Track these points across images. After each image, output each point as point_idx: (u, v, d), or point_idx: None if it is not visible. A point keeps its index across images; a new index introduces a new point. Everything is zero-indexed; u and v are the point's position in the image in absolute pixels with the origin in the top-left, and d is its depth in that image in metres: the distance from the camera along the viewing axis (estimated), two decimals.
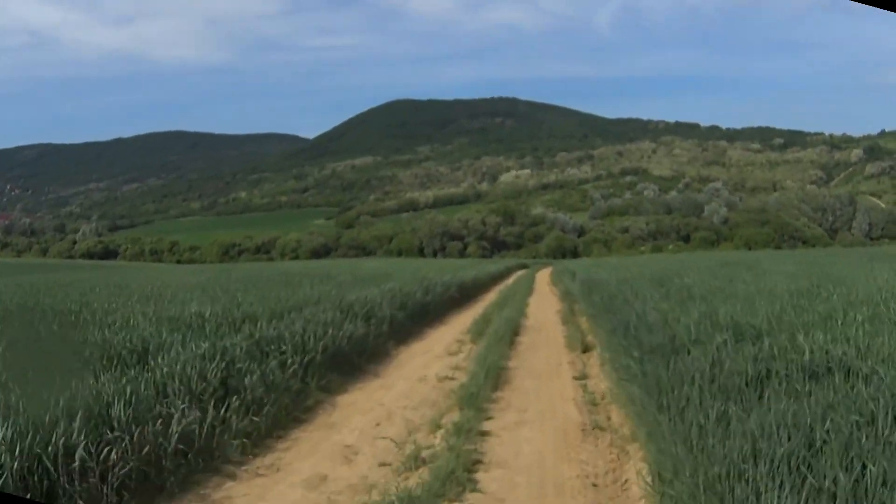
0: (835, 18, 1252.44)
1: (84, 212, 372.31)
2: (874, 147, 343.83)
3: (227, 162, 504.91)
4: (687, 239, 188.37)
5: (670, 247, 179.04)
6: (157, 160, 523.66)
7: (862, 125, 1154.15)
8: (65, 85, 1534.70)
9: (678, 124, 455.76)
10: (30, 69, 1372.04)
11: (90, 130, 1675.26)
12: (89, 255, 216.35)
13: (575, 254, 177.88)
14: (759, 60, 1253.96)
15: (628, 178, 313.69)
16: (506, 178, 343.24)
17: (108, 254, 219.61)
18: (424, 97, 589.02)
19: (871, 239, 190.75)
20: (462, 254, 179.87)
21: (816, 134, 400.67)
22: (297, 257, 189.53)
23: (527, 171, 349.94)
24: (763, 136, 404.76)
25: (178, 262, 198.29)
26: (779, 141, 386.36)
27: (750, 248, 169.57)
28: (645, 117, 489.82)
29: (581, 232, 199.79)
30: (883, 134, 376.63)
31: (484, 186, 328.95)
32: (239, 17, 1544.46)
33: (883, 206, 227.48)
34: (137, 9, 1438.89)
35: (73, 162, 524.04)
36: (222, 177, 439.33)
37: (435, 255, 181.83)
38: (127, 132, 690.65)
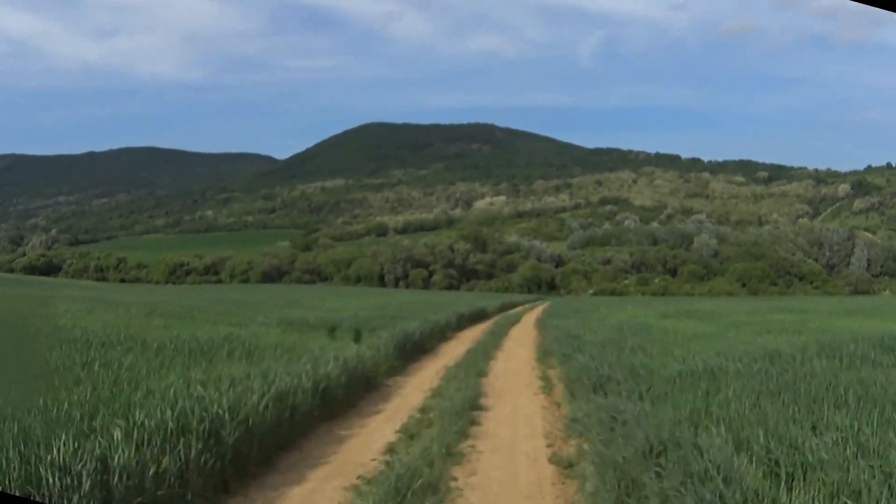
0: (817, 56, 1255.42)
1: (49, 225, 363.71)
2: (862, 182, 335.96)
3: (199, 180, 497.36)
4: (674, 272, 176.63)
5: (656, 280, 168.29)
6: (129, 175, 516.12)
7: (844, 161, 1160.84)
8: (40, 95, 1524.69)
9: (658, 155, 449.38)
10: (4, 78, 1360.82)
11: (63, 142, 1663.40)
12: (31, 268, 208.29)
13: (552, 285, 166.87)
14: (741, 95, 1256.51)
15: (608, 208, 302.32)
16: (480, 204, 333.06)
17: (52, 268, 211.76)
18: (400, 121, 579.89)
19: (873, 276, 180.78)
20: (427, 283, 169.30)
21: (800, 168, 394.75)
22: (247, 280, 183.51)
23: (502, 198, 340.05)
24: (746, 169, 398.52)
25: (123, 280, 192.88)
26: (763, 174, 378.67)
27: (744, 285, 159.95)
28: (625, 147, 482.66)
29: (559, 262, 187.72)
30: (869, 169, 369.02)
31: (458, 212, 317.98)
32: (218, 35, 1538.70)
33: (879, 241, 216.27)
34: (119, 23, 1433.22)
35: (43, 174, 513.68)
36: (191, 194, 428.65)
37: (397, 283, 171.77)
38: (100, 146, 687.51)
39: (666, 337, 24.83)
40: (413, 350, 25.45)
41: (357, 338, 23.10)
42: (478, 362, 23.14)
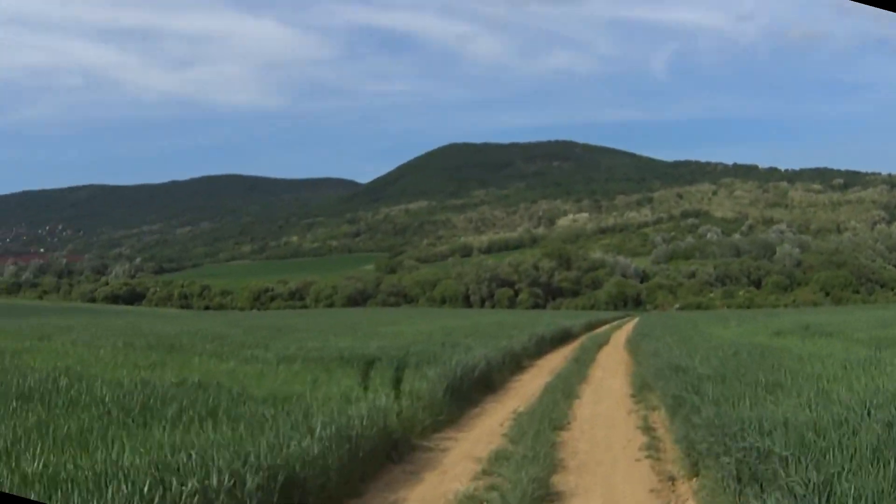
0: (882, 59, 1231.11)
1: (134, 254, 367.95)
2: None
3: (282, 206, 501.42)
4: (758, 284, 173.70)
5: (741, 292, 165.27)
6: (212, 203, 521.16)
7: None
8: (120, 127, 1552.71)
9: (736, 166, 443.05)
10: (85, 110, 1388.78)
11: (144, 172, 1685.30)
12: (113, 297, 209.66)
13: (638, 301, 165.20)
14: (812, 102, 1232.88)
15: (689, 221, 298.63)
16: (563, 221, 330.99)
17: (135, 297, 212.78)
18: (480, 141, 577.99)
19: None
20: (512, 302, 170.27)
21: (873, 174, 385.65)
22: (332, 304, 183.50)
23: (585, 215, 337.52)
24: (822, 176, 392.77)
25: (208, 307, 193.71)
26: (839, 181, 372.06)
27: (827, 294, 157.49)
28: (703, 160, 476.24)
29: (644, 277, 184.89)
30: None
31: (541, 230, 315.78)
32: (296, 63, 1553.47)
33: None
34: (195, 53, 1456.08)
35: (126, 204, 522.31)
36: (275, 220, 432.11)
37: (482, 303, 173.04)
38: (182, 175, 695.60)
39: (803, 366, 17.54)
40: (475, 388, 19.95)
41: (397, 380, 16.28)
42: (557, 405, 17.85)
